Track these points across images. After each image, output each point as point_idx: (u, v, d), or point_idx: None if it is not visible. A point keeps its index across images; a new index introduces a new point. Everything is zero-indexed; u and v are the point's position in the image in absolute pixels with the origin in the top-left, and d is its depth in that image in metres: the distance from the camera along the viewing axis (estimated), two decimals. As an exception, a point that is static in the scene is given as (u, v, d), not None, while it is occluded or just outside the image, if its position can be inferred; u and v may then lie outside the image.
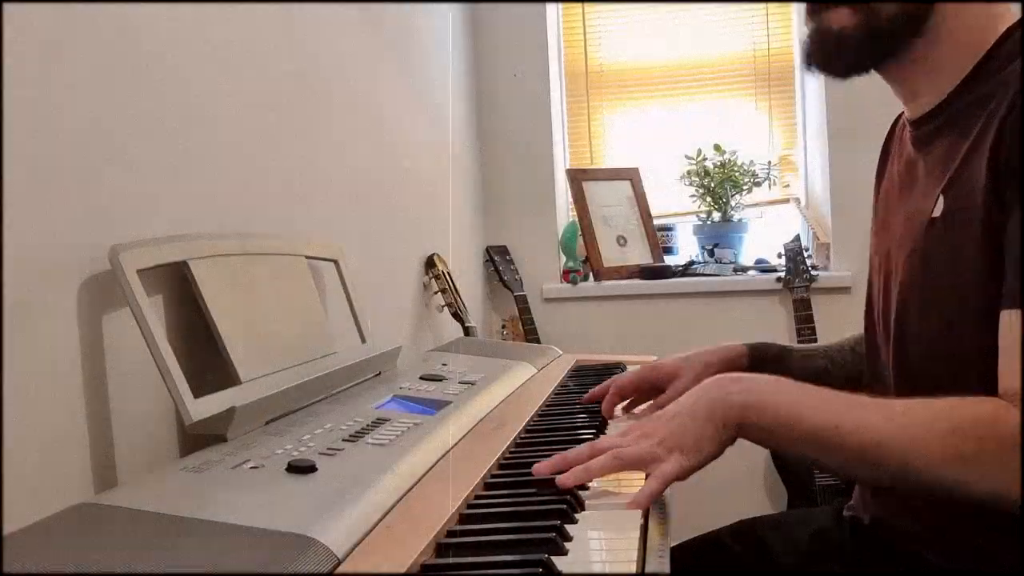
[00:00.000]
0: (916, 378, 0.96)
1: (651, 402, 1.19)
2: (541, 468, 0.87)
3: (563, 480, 0.83)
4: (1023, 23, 0.91)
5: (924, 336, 0.95)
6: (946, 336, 0.91)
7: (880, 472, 0.82)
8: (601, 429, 1.11)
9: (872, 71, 0.99)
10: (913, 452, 0.78)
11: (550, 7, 2.84)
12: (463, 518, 0.79)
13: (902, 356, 0.99)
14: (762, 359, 1.22)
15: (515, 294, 2.58)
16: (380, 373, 1.37)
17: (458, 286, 2.19)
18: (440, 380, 1.30)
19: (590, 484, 0.85)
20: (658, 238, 2.84)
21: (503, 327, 2.74)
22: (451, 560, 0.69)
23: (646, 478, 0.83)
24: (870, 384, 1.10)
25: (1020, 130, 0.81)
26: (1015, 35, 0.90)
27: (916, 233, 0.95)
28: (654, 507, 0.81)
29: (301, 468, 0.82)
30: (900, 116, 1.09)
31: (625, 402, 1.22)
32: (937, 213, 0.91)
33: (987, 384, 0.81)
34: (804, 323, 2.45)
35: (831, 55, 0.97)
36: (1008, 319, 0.80)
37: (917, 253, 0.94)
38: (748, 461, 2.54)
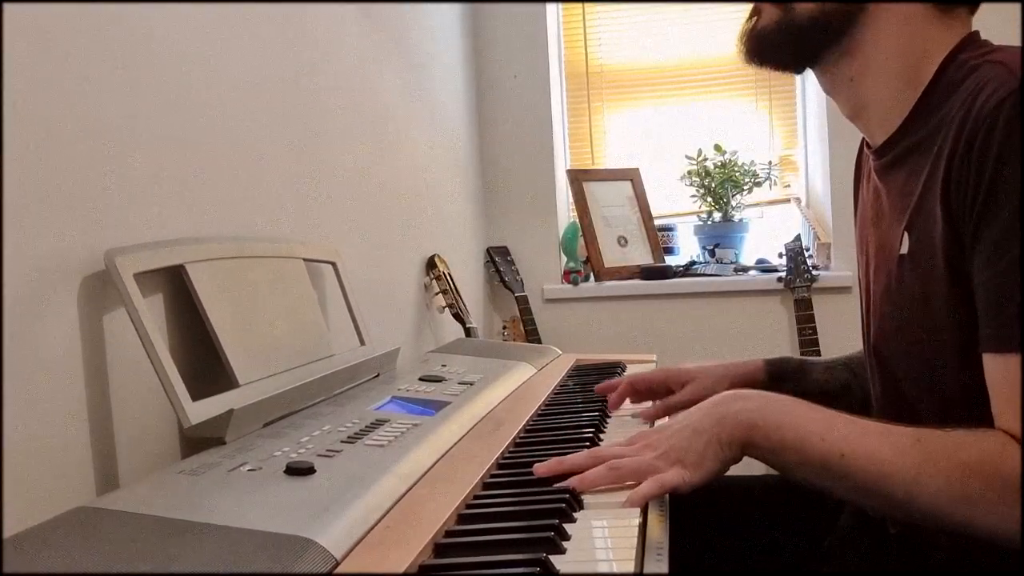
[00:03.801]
0: (899, 406, 0.96)
1: (660, 401, 1.18)
2: (540, 469, 0.87)
3: None
4: None
5: (904, 368, 0.94)
6: (924, 372, 0.90)
7: (885, 504, 0.81)
8: (600, 428, 1.10)
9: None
10: (920, 488, 0.77)
11: (550, 7, 2.84)
12: (461, 518, 0.78)
13: (885, 383, 0.99)
14: (780, 375, 1.21)
15: (516, 295, 2.58)
16: (379, 374, 1.36)
17: (459, 287, 2.19)
18: (439, 381, 1.30)
19: None
20: (659, 238, 2.84)
21: (504, 328, 2.74)
22: (450, 560, 0.69)
23: None
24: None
25: (977, 167, 0.79)
26: (954, 63, 0.89)
27: (888, 268, 0.94)
28: (654, 506, 0.80)
29: (299, 470, 0.82)
30: None
31: (628, 401, 1.21)
32: (904, 251, 0.90)
33: (970, 418, 0.80)
34: (805, 323, 2.45)
35: (762, 52, 1.00)
36: (994, 363, 0.78)
37: (891, 289, 0.94)
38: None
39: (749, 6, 1.01)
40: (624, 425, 1.14)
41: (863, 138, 1.06)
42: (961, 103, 0.84)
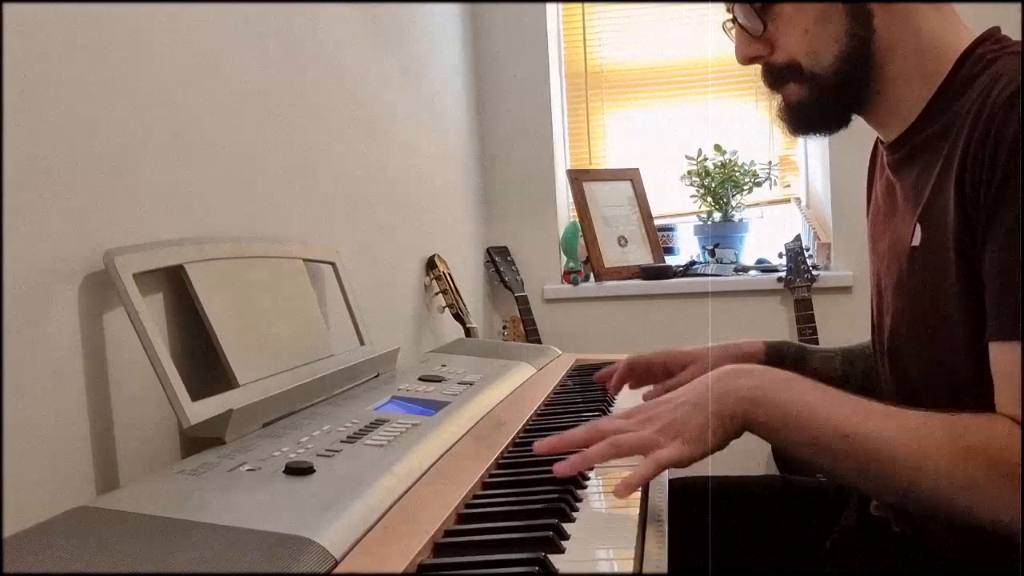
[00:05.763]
0: (911, 403, 0.96)
1: (659, 384, 1.17)
2: (540, 447, 0.87)
3: (560, 470, 0.82)
4: None
5: (916, 362, 0.94)
6: (937, 364, 0.90)
7: (887, 487, 0.80)
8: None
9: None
10: (923, 471, 0.76)
11: (550, 7, 2.84)
12: (461, 518, 0.79)
13: (898, 379, 0.99)
14: (780, 358, 1.20)
15: (516, 295, 2.58)
16: (379, 375, 1.36)
17: (459, 287, 2.19)
18: (439, 381, 1.30)
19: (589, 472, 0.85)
20: (659, 238, 2.84)
21: (504, 328, 2.74)
22: (449, 560, 0.69)
23: None
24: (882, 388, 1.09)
25: (991, 156, 0.79)
26: (971, 58, 0.89)
27: (900, 261, 0.94)
28: (653, 506, 0.80)
29: (299, 470, 0.82)
30: None
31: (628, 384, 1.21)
32: (916, 243, 0.90)
33: (982, 409, 0.80)
34: (805, 323, 2.45)
35: (803, 125, 1.00)
36: (999, 351, 0.78)
37: (903, 282, 0.94)
38: (748, 456, 2.53)
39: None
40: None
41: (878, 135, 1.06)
42: (977, 95, 0.83)
